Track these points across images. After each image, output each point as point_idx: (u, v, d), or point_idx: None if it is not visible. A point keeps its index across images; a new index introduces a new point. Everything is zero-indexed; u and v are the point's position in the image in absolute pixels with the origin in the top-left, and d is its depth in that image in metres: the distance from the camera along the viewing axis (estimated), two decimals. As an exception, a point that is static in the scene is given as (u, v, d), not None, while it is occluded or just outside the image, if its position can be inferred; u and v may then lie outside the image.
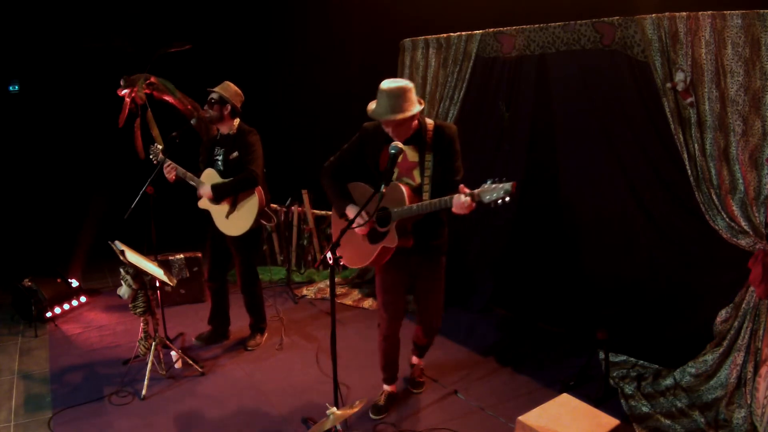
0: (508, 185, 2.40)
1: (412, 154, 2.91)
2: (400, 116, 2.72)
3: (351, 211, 3.00)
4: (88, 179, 6.72)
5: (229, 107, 3.84)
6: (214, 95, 3.82)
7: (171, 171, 3.94)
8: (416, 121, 2.88)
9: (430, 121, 2.90)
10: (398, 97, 2.71)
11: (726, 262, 3.33)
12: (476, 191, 2.50)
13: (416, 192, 2.90)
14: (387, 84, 2.77)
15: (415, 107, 2.76)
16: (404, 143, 2.83)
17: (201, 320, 4.51)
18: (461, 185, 2.56)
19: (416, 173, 2.91)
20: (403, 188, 2.84)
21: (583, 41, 3.76)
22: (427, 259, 3.08)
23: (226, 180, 3.87)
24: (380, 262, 3.06)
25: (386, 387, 3.49)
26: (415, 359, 3.66)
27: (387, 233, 2.91)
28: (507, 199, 2.42)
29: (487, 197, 2.46)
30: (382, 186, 2.62)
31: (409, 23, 5.06)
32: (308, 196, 5.88)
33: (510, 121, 4.44)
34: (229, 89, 3.85)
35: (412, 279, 3.16)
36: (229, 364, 4.03)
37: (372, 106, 2.82)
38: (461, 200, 2.53)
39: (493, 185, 2.44)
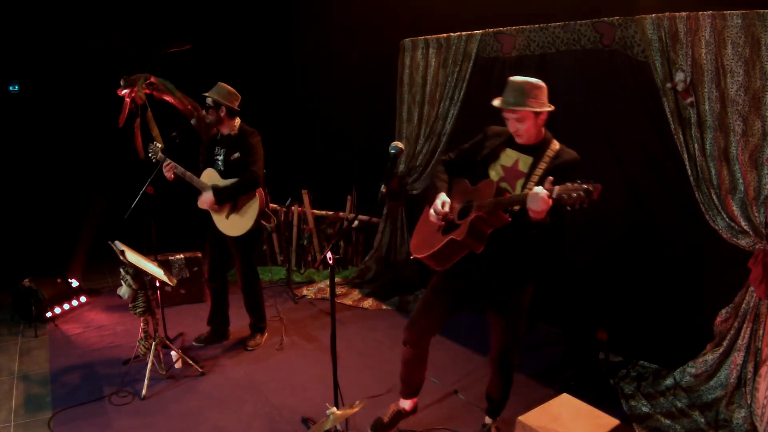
0: (589, 187, 2.20)
1: (524, 164, 2.67)
2: (520, 109, 2.55)
3: (438, 199, 2.75)
4: (88, 179, 6.71)
5: (224, 109, 3.84)
6: (208, 100, 3.83)
7: (170, 170, 3.94)
8: (543, 131, 2.69)
9: (557, 143, 2.70)
10: (524, 91, 2.56)
11: (726, 262, 3.32)
12: (557, 186, 2.29)
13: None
14: (516, 77, 2.62)
15: (542, 107, 2.59)
16: (523, 150, 2.68)
17: (201, 320, 4.50)
18: (550, 177, 2.36)
19: (519, 184, 2.66)
20: (495, 185, 2.62)
21: (583, 41, 3.76)
22: (506, 284, 2.77)
23: (227, 183, 3.87)
24: (443, 260, 2.74)
25: (402, 402, 3.21)
26: (487, 419, 3.18)
27: (459, 226, 2.65)
28: (584, 204, 2.21)
29: (565, 196, 2.24)
30: (382, 186, 2.60)
31: (409, 23, 5.06)
32: (308, 196, 5.88)
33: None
34: (221, 90, 3.85)
35: (482, 304, 2.89)
36: (229, 364, 4.03)
37: (497, 101, 2.65)
38: (537, 192, 2.31)
39: (576, 184, 2.24)
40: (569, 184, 2.25)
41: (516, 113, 2.58)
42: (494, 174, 2.75)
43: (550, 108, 2.61)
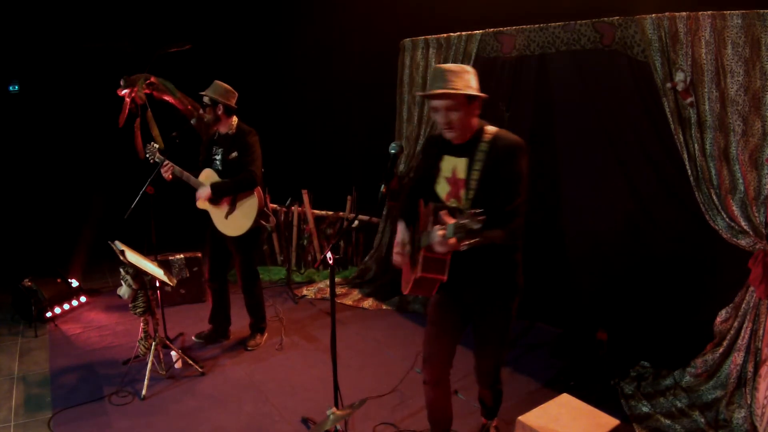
0: (470, 223, 1.86)
1: (461, 169, 2.32)
2: (442, 91, 2.22)
3: (398, 231, 2.59)
4: (88, 179, 6.72)
5: (221, 107, 3.84)
6: (205, 99, 3.83)
7: (168, 170, 3.94)
8: (477, 123, 2.33)
9: (492, 128, 2.34)
10: (450, 73, 2.24)
11: (726, 262, 3.33)
12: (451, 225, 1.95)
13: (456, 217, 2.26)
14: (442, 64, 2.35)
15: (470, 90, 2.24)
16: (457, 152, 2.37)
17: (201, 320, 4.51)
18: (443, 211, 2.05)
19: (463, 195, 2.34)
20: (430, 209, 2.36)
21: (583, 41, 3.76)
22: (488, 303, 2.54)
23: (226, 179, 3.87)
24: (424, 291, 2.53)
25: None
26: (484, 420, 3.12)
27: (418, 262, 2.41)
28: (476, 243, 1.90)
29: (462, 234, 1.90)
30: (382, 186, 2.59)
31: (409, 23, 5.06)
32: (308, 196, 5.88)
33: (510, 121, 4.44)
34: (218, 89, 3.86)
35: (471, 321, 2.69)
36: (229, 364, 4.03)
37: (420, 93, 2.43)
38: (432, 236, 2.03)
39: (463, 220, 1.89)
40: (459, 221, 1.93)
41: (445, 100, 2.24)
42: (441, 190, 2.47)
43: (483, 95, 2.30)
